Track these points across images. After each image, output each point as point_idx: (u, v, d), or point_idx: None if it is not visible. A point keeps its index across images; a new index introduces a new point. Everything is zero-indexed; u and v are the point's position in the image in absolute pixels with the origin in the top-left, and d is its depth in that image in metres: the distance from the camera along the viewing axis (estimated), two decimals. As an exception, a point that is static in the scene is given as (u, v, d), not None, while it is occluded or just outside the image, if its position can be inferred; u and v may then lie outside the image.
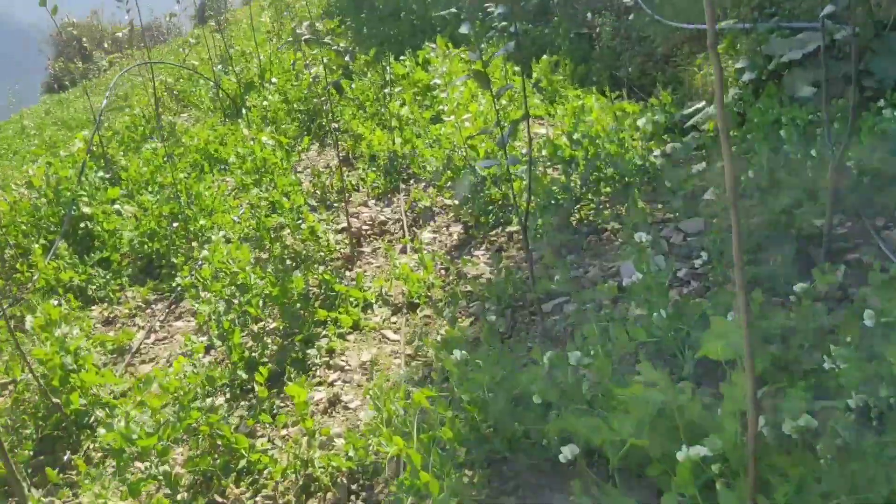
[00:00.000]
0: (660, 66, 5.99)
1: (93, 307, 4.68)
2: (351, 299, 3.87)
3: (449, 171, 4.73)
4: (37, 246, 4.77)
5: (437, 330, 3.49)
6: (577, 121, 4.68)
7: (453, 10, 8.78)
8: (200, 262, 4.28)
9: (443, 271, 4.13)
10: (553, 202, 4.16)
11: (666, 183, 4.15)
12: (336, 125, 6.26)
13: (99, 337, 4.07)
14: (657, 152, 4.75)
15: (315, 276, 3.98)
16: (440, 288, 3.90)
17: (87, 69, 23.64)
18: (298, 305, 3.68)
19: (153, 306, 4.58)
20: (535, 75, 6.59)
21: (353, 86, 6.87)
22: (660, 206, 4.16)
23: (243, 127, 6.31)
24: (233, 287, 3.68)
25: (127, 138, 6.92)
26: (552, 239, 3.99)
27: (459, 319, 3.49)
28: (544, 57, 6.65)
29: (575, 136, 4.48)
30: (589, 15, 7.21)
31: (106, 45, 29.81)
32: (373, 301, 3.91)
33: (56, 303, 3.69)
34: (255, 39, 9.01)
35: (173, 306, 4.52)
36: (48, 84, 31.94)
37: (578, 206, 4.31)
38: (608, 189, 4.40)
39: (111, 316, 4.55)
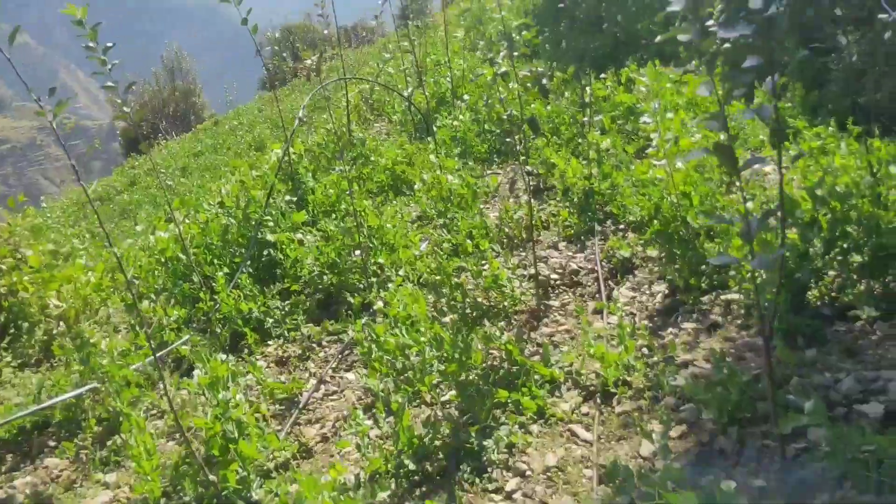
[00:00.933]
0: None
1: (269, 342, 4.47)
2: (535, 376, 3.31)
3: (656, 222, 4.02)
4: (220, 274, 4.64)
5: (639, 436, 2.84)
6: (821, 169, 3.81)
7: (671, 11, 7.96)
8: (374, 311, 3.92)
9: (645, 349, 3.46)
10: (788, 276, 3.36)
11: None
12: (525, 157, 5.71)
13: (270, 385, 3.82)
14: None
15: (496, 345, 3.45)
16: (642, 373, 3.24)
17: (297, 68, 24.82)
18: (477, 382, 3.17)
19: (326, 350, 4.29)
20: (756, 100, 5.67)
21: (549, 107, 6.29)
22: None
23: (431, 154, 5.94)
24: (404, 360, 3.24)
25: (318, 154, 6.79)
26: (785, 321, 3.20)
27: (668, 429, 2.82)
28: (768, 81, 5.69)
29: (819, 192, 3.63)
30: (826, 27, 6.14)
31: (317, 46, 31.30)
32: (561, 380, 3.32)
33: (223, 357, 3.44)
34: (447, 49, 8.66)
35: (346, 352, 4.20)
36: (262, 81, 34.15)
37: (818, 279, 3.47)
38: (859, 259, 3.51)
39: (285, 355, 4.31)
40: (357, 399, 3.67)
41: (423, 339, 3.31)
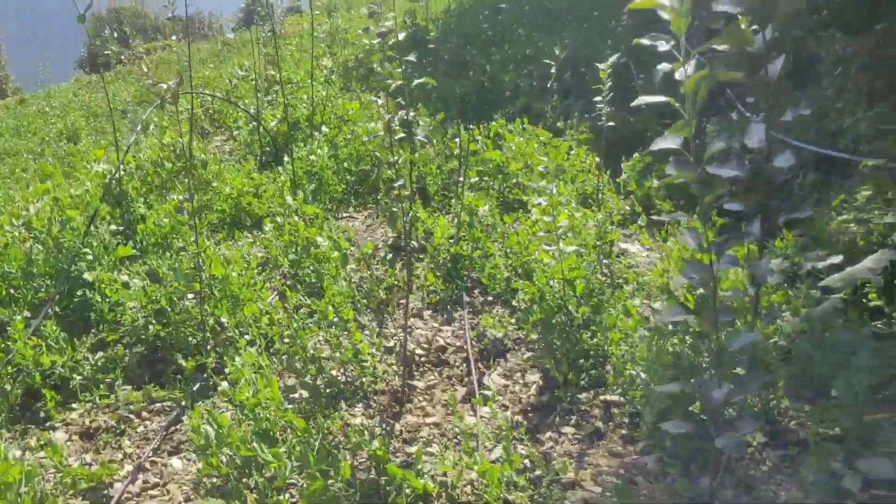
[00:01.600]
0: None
1: (73, 405, 3.69)
2: (406, 489, 2.87)
3: (538, 311, 3.75)
4: (18, 318, 3.79)
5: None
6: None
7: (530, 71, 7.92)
8: (207, 376, 3.30)
9: (527, 460, 3.13)
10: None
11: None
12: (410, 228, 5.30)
13: (71, 472, 3.08)
14: (787, 313, 3.78)
15: (363, 448, 2.98)
16: (526, 494, 2.90)
17: (121, 53, 22.83)
18: (341, 498, 2.69)
19: (147, 423, 3.59)
20: (623, 175, 5.67)
21: (416, 154, 5.93)
22: (808, 406, 3.18)
23: (286, 192, 5.36)
24: (251, 464, 2.69)
25: (152, 173, 5.96)
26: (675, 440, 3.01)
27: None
28: (636, 155, 5.73)
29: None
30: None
31: (148, 33, 29.12)
32: (434, 495, 2.91)
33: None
34: (305, 65, 8.10)
35: (173, 428, 3.53)
36: (81, 61, 31.23)
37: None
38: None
39: (93, 426, 3.56)
40: (185, 499, 3.04)
41: (279, 445, 2.77)
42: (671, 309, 1.88)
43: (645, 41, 1.92)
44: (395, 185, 3.26)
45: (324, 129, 6.95)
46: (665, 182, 4.25)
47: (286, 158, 6.35)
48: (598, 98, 4.93)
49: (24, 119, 15.03)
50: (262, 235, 5.13)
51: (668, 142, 1.85)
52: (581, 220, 4.56)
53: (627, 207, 5.36)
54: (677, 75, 1.84)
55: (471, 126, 6.73)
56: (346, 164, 6.29)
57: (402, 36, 3.50)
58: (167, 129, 7.44)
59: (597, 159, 5.81)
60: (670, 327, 3.26)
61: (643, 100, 1.96)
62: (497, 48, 9.44)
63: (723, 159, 1.82)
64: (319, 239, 4.32)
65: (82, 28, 4.88)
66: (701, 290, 1.90)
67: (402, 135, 3.50)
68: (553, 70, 7.11)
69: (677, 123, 1.84)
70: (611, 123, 4.96)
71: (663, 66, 1.89)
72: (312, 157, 6.22)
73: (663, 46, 1.86)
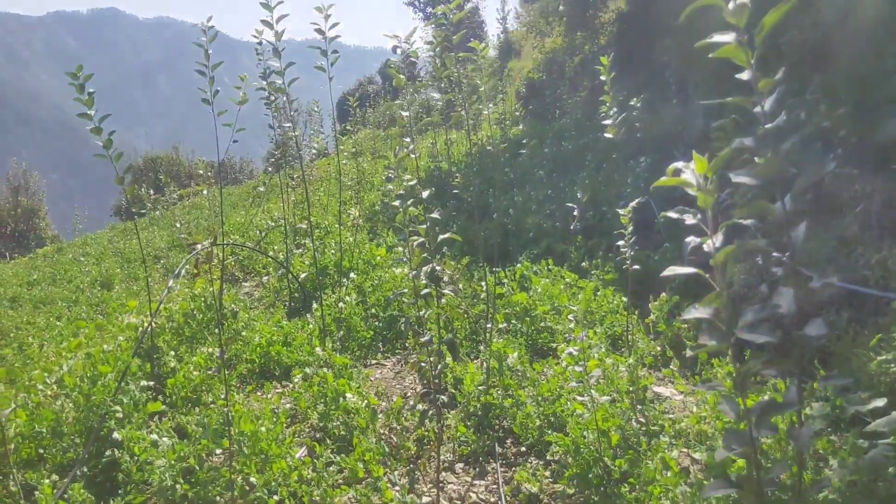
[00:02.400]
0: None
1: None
2: None
3: (573, 465, 3.65)
4: (46, 482, 3.76)
5: None
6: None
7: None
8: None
9: None
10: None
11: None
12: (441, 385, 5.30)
13: None
14: (834, 464, 3.63)
15: None
16: None
17: (158, 199, 23.73)
18: None
19: None
20: (652, 315, 5.66)
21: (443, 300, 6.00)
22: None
23: (316, 342, 5.41)
24: None
25: (182, 324, 6.06)
26: None
27: None
28: (663, 294, 5.73)
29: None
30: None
31: (183, 179, 30.44)
32: None
33: None
34: (334, 210, 8.36)
35: None
36: (117, 209, 32.52)
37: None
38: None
39: None
40: None
41: None
42: (714, 483, 1.83)
43: (672, 215, 1.98)
44: (422, 340, 3.28)
45: (352, 275, 7.08)
46: (698, 351, 4.21)
47: (315, 305, 6.43)
48: (620, 242, 5.01)
49: (60, 267, 15.50)
50: (292, 386, 5.12)
51: (699, 312, 1.87)
52: (612, 365, 4.52)
53: (658, 349, 5.32)
54: (706, 247, 1.88)
55: (496, 269, 6.82)
56: (373, 310, 6.35)
57: (426, 194, 3.62)
58: (199, 278, 7.62)
59: (623, 299, 5.83)
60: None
61: (673, 271, 1.99)
62: (519, 190, 9.72)
63: (755, 325, 1.82)
64: (349, 395, 4.30)
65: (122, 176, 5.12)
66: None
67: (427, 290, 3.55)
68: (575, 211, 7.27)
69: (709, 295, 1.87)
70: (636, 267, 5.01)
71: (691, 240, 1.94)
72: (341, 303, 6.30)
73: (690, 220, 1.91)
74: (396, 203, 3.64)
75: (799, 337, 1.79)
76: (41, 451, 4.22)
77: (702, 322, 1.88)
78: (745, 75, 1.88)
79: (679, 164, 2.09)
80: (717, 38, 1.88)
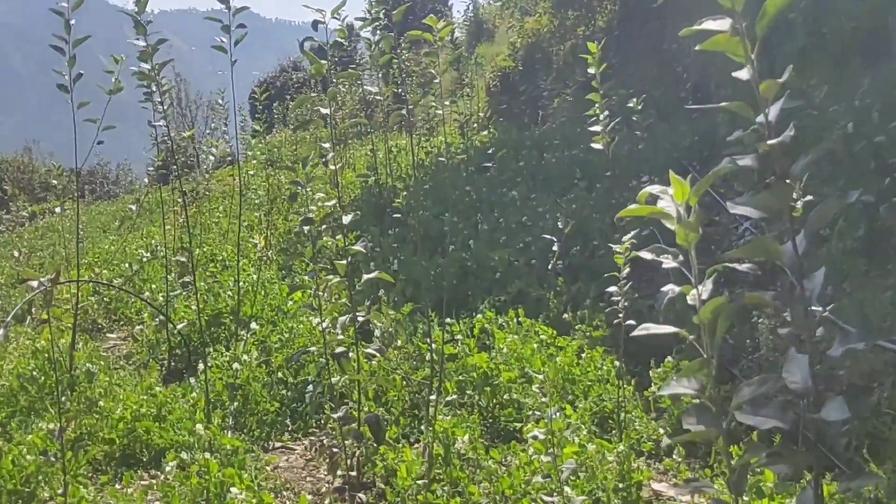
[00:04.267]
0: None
1: None
2: None
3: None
4: None
5: None
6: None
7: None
8: None
9: None
10: None
11: None
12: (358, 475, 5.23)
13: None
14: None
15: None
16: None
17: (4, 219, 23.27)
18: None
19: None
20: (653, 386, 5.68)
21: (374, 361, 5.95)
22: None
23: (198, 418, 5.30)
24: None
25: (17, 390, 5.92)
26: None
27: None
28: (669, 359, 5.76)
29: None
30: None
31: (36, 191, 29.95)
32: None
33: None
34: (238, 241, 8.30)
35: None
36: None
37: None
38: None
39: None
40: None
41: None
42: None
43: (645, 255, 1.98)
44: (335, 416, 3.23)
45: (253, 325, 6.98)
46: (679, 440, 4.26)
47: (200, 366, 6.33)
48: (613, 288, 5.03)
49: None
50: (163, 477, 5.00)
51: (680, 386, 1.87)
52: (596, 453, 4.50)
53: (661, 431, 5.32)
54: (689, 299, 1.89)
55: (449, 320, 6.79)
56: (281, 374, 6.27)
57: (347, 219, 3.60)
58: (46, 328, 7.46)
59: (616, 364, 5.83)
60: None
61: (648, 329, 2.00)
62: (483, 215, 9.75)
63: (757, 403, 1.83)
64: (234, 490, 4.21)
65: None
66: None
67: (342, 350, 3.51)
68: (556, 245, 7.30)
69: (692, 363, 1.86)
70: (631, 322, 5.02)
71: (669, 288, 1.95)
72: (236, 364, 6.21)
73: (668, 263, 1.92)
74: (305, 229, 3.61)
75: (815, 422, 1.78)
76: None
77: (689, 403, 1.87)
78: (743, 74, 1.91)
79: (654, 189, 2.10)
80: (708, 24, 1.91)
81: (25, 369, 6.16)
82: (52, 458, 4.67)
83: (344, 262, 3.81)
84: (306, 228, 3.55)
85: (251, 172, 12.22)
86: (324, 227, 3.64)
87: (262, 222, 11.17)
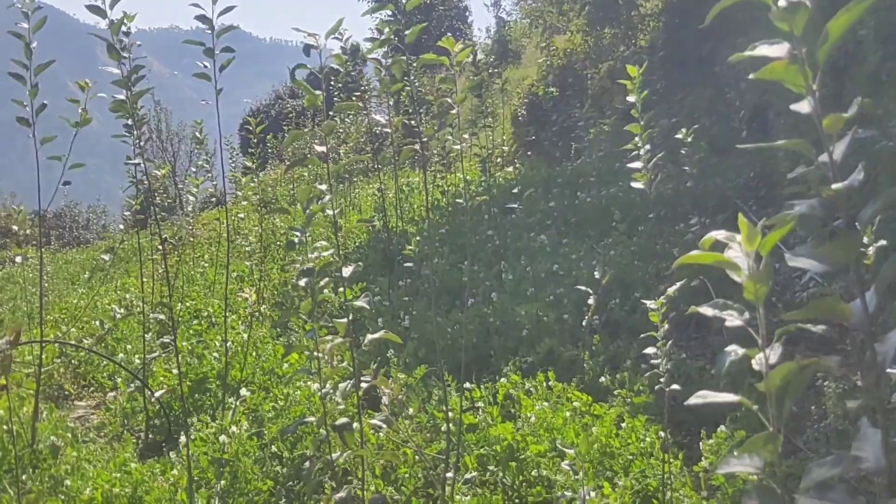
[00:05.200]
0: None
1: None
2: None
3: None
4: None
5: None
6: None
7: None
8: None
9: None
10: None
11: None
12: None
13: None
14: None
15: None
16: None
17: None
18: None
19: None
20: (703, 460, 5.67)
21: (381, 433, 5.98)
22: None
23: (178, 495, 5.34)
24: None
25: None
26: None
27: None
28: (722, 428, 5.75)
29: None
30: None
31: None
32: None
33: None
34: (225, 297, 8.36)
35: None
36: None
37: None
38: None
39: None
40: None
41: None
42: None
43: (706, 311, 2.00)
44: (336, 497, 3.26)
45: (243, 391, 7.01)
46: None
47: (182, 439, 6.36)
48: (652, 349, 5.04)
49: None
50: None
51: (741, 464, 1.89)
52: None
53: (712, 514, 5.31)
54: (755, 364, 1.90)
55: (468, 385, 6.81)
56: (275, 448, 6.29)
57: (347, 271, 3.66)
58: (3, 394, 7.54)
59: (661, 435, 5.83)
60: None
61: (705, 397, 2.02)
62: (508, 264, 9.79)
63: (825, 486, 1.84)
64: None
65: None
66: None
67: (344, 421, 3.55)
68: (592, 298, 7.32)
69: (755, 438, 1.88)
70: (676, 387, 5.04)
71: (732, 349, 1.96)
72: (224, 436, 6.24)
73: (733, 320, 1.94)
74: (302, 283, 3.66)
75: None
76: None
77: (746, 480, 1.90)
78: (803, 106, 1.94)
79: (720, 234, 2.12)
80: (763, 49, 1.94)
81: (-18, 443, 6.22)
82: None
83: (344, 320, 3.86)
84: (303, 281, 3.61)
85: (241, 215, 12.34)
86: (325, 279, 3.69)
87: (254, 273, 11.27)
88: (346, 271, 3.81)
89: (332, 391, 3.64)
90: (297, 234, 3.79)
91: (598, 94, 15.08)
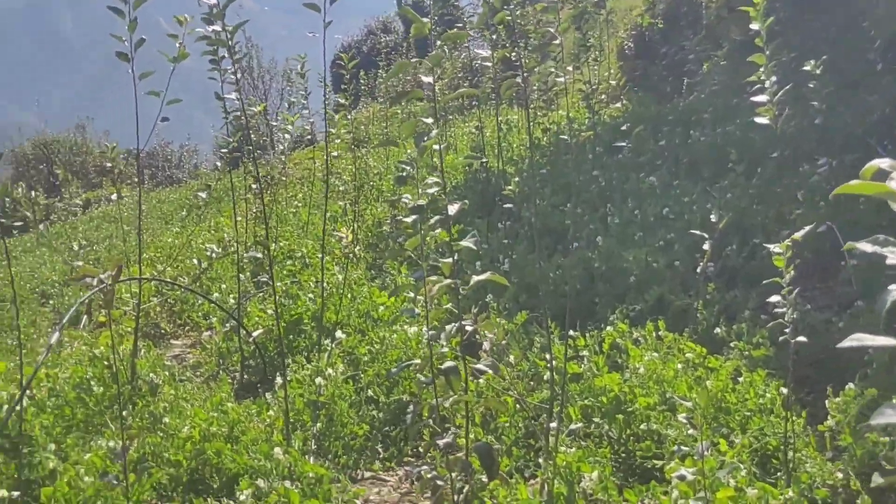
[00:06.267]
0: None
1: None
2: None
3: None
4: None
5: None
6: None
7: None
8: None
9: None
10: None
11: None
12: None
13: None
14: None
15: None
16: None
17: (51, 206, 24.07)
18: None
19: None
20: (829, 419, 5.48)
21: (481, 379, 5.92)
22: None
23: (279, 448, 5.36)
24: None
25: (73, 401, 6.10)
26: None
27: None
28: (850, 386, 5.56)
29: None
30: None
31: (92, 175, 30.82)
32: None
33: None
34: (322, 236, 8.38)
35: None
36: (-10, 219, 32.88)
37: None
38: None
39: None
40: None
41: None
42: None
43: (865, 247, 1.87)
44: (440, 443, 3.19)
45: (339, 334, 7.02)
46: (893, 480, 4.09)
47: (278, 381, 6.40)
48: (775, 298, 4.86)
49: None
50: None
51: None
52: (758, 499, 4.37)
53: (839, 476, 5.13)
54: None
55: (572, 333, 6.71)
56: (371, 392, 6.31)
57: (453, 209, 3.56)
58: (104, 331, 7.67)
59: (783, 391, 5.66)
60: None
61: (860, 340, 1.88)
62: (614, 207, 9.62)
63: None
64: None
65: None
66: None
67: (450, 364, 3.46)
68: (707, 243, 7.13)
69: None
70: (801, 339, 4.86)
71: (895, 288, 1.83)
72: (319, 379, 6.27)
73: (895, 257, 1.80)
74: (409, 220, 3.58)
75: None
76: None
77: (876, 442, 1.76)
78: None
79: (884, 163, 1.98)
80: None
81: (82, 378, 6.34)
82: (114, 481, 4.78)
83: (450, 260, 3.77)
84: (412, 218, 3.52)
85: (335, 154, 12.34)
86: (435, 217, 3.60)
87: (348, 213, 11.27)
88: (452, 209, 3.72)
89: (436, 333, 3.56)
90: (407, 167, 3.69)
91: (714, 23, 14.65)
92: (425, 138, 3.82)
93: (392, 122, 18.32)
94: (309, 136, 17.63)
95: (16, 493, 4.92)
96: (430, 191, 3.66)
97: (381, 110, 19.84)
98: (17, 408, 5.43)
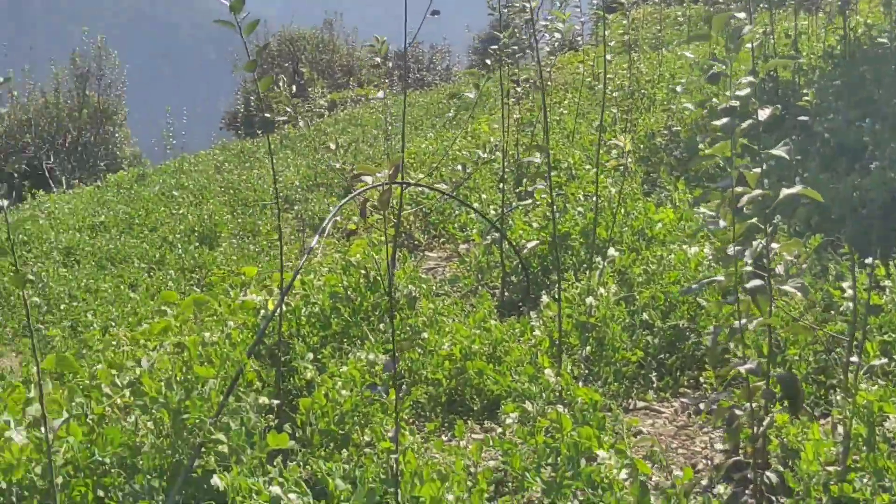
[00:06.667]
0: None
1: None
2: None
3: None
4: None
5: None
6: None
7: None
8: None
9: None
10: None
11: None
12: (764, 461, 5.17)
13: None
14: None
15: None
16: None
17: (298, 107, 24.89)
18: None
19: None
20: None
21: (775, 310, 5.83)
22: None
23: (548, 370, 5.44)
24: None
25: (329, 310, 6.33)
26: None
27: None
28: None
29: None
30: None
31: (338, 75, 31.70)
32: None
33: None
34: (596, 146, 8.35)
35: None
36: (232, 116, 34.42)
37: None
38: None
39: None
40: None
41: None
42: None
43: None
44: (744, 368, 3.17)
45: (611, 252, 7.00)
46: None
47: (544, 299, 6.47)
48: None
49: (140, 205, 16.61)
50: (500, 431, 5.19)
51: None
52: None
53: None
54: None
55: (871, 260, 6.50)
56: (646, 316, 6.29)
57: (764, 114, 3.49)
58: (356, 239, 7.92)
59: None
60: None
61: None
62: (926, 125, 9.17)
63: None
64: (601, 453, 4.29)
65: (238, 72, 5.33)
66: None
67: (758, 283, 3.43)
68: None
69: None
70: None
71: None
72: (590, 299, 6.29)
73: None
74: (719, 123, 3.53)
75: None
76: (100, 492, 4.55)
77: None
78: None
79: None
80: None
81: (338, 287, 6.55)
82: (383, 394, 4.93)
83: (757, 170, 3.72)
84: (723, 122, 3.48)
85: (609, 56, 12.23)
86: (748, 121, 3.55)
87: (618, 122, 11.19)
88: (763, 114, 3.65)
89: (742, 248, 3.53)
90: (721, 64, 3.64)
91: None
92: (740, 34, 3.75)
93: (665, 25, 17.99)
94: (578, 37, 17.45)
95: (275, 402, 5.12)
96: (741, 92, 3.60)
97: (652, 13, 19.48)
98: (276, 315, 5.68)
